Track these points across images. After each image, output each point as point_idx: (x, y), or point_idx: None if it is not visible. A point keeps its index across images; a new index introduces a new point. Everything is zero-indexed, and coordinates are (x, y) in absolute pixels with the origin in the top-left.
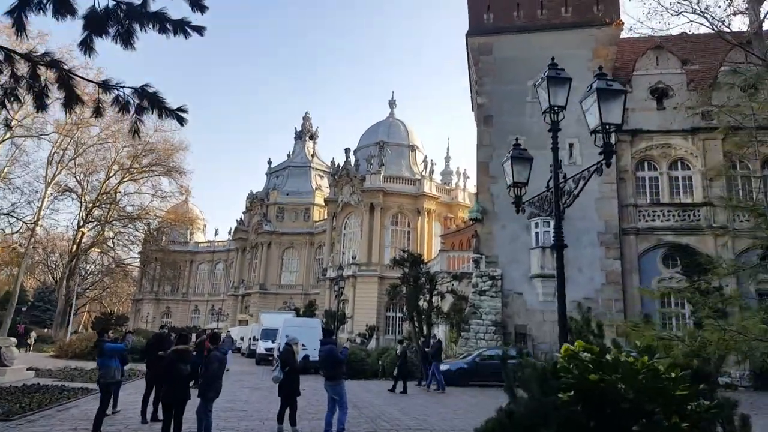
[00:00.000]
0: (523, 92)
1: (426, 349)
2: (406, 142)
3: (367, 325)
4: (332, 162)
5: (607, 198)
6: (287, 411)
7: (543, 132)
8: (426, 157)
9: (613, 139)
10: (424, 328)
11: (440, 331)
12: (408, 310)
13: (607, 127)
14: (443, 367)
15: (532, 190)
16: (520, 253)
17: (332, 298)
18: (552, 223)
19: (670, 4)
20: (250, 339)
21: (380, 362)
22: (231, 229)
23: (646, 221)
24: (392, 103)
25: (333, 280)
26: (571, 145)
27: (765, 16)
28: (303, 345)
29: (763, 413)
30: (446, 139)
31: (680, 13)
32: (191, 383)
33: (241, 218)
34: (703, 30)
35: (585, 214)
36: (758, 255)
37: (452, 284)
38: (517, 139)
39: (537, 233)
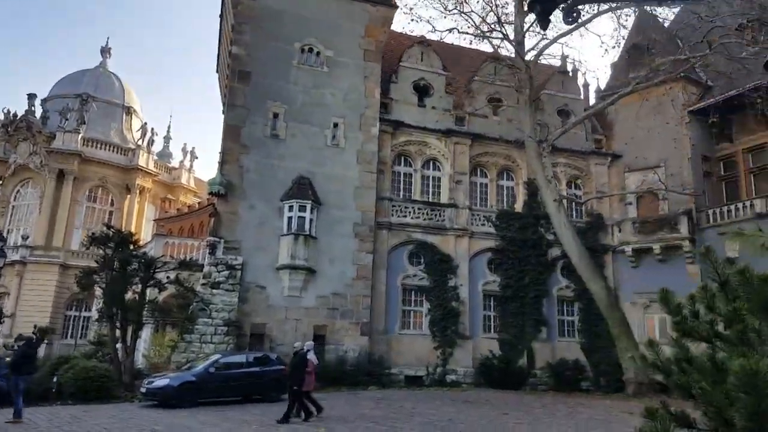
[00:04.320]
0: (289, 54)
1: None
2: (120, 101)
3: (35, 327)
4: (6, 111)
5: (366, 188)
6: None
7: (308, 104)
8: (145, 124)
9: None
10: (129, 329)
11: (145, 334)
12: (106, 304)
13: None
14: (161, 382)
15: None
16: (269, 240)
17: None
18: (309, 208)
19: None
20: None
21: (55, 378)
22: None
23: (399, 217)
24: (106, 51)
25: None
26: (335, 125)
27: (528, 27)
28: None
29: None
30: (169, 116)
31: (450, 11)
32: None
33: None
34: (464, 43)
35: (343, 202)
36: (488, 258)
37: (169, 276)
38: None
39: (290, 218)
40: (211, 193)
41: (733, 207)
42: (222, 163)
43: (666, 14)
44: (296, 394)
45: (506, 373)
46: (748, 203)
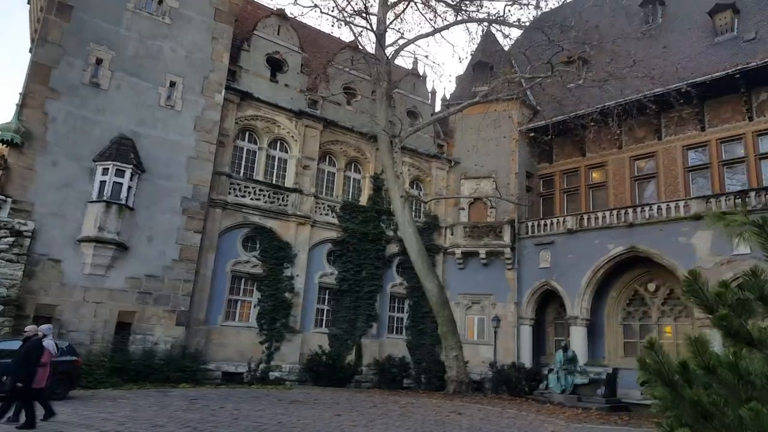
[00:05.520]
0: None
1: None
2: None
3: None
4: None
5: (202, 159)
6: None
7: (142, 55)
8: None
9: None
10: None
11: None
12: None
13: None
14: None
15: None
16: (72, 206)
17: None
18: (129, 173)
19: None
20: None
21: None
22: None
23: (237, 196)
24: None
25: None
26: (172, 83)
27: (391, 22)
28: None
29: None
30: None
31: None
32: None
33: None
34: (325, 25)
35: (172, 172)
36: (328, 249)
37: None
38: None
39: (103, 182)
40: (1, 141)
41: (548, 221)
42: (21, 106)
43: (512, 34)
44: (24, 393)
45: (334, 369)
46: (561, 219)
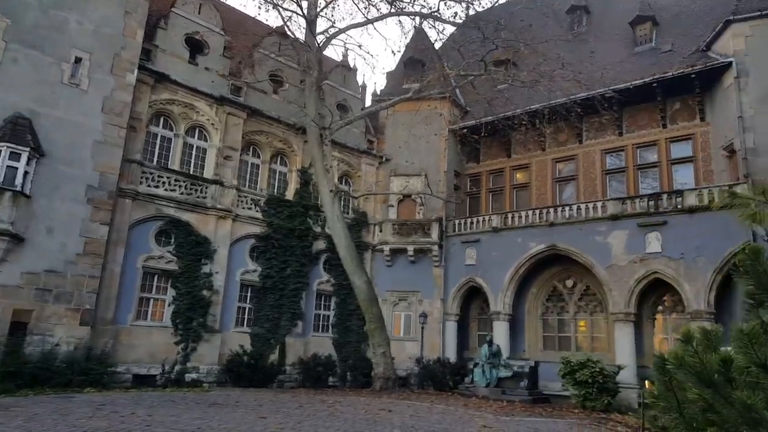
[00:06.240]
0: None
1: None
2: None
3: None
4: None
5: (111, 145)
6: None
7: (43, 26)
8: None
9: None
10: None
11: None
12: None
13: None
14: None
15: None
16: None
17: None
18: (26, 157)
19: None
20: None
21: None
22: None
23: (149, 186)
24: None
25: None
26: (78, 60)
27: (322, 9)
28: None
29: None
30: None
31: None
32: None
33: None
34: (251, 7)
35: (76, 156)
36: (251, 245)
37: None
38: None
39: (6, 167)
40: None
41: (475, 220)
42: None
43: (445, 31)
44: None
45: (255, 369)
46: (487, 218)
